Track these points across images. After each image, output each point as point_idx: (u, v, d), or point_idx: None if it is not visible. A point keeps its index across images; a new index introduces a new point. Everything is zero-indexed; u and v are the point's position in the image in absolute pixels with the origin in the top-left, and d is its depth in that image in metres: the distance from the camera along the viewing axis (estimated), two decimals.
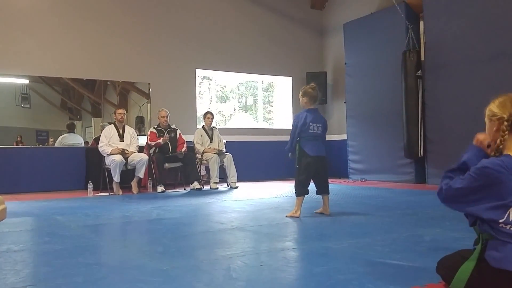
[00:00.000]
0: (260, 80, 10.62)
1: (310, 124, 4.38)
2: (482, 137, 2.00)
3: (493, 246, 1.80)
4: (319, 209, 4.57)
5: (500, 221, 1.79)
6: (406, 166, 8.19)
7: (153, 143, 7.60)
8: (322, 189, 4.52)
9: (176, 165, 7.82)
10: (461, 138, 7.14)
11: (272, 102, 10.97)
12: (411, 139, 7.80)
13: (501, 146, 1.88)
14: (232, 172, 8.00)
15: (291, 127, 4.54)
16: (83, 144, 8.40)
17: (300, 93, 4.55)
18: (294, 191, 4.44)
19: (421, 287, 2.05)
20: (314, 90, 4.51)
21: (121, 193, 7.17)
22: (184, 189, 7.78)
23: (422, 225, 3.84)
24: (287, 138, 4.60)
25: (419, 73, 7.79)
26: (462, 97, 7.17)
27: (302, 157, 4.40)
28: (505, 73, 6.57)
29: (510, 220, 1.78)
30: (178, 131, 7.97)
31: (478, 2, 7.04)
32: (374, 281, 2.15)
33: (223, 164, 8.04)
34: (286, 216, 4.32)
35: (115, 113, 7.66)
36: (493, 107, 1.93)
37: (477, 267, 1.82)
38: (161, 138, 7.55)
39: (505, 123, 1.87)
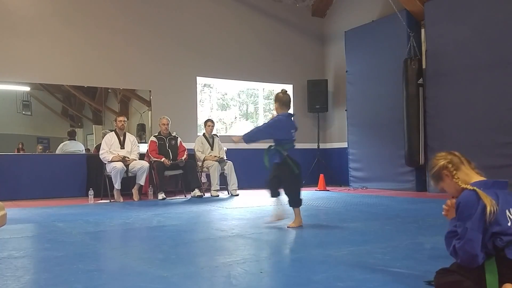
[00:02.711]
0: (261, 87, 10.64)
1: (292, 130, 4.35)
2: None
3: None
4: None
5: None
6: (407, 174, 8.19)
7: (154, 159, 7.59)
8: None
9: (176, 173, 7.83)
10: (462, 146, 7.14)
11: (273, 110, 10.94)
12: (412, 147, 7.80)
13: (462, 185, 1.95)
14: (232, 179, 8.00)
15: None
16: (84, 151, 8.41)
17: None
18: (295, 201, 4.23)
19: None
20: (285, 94, 4.47)
21: (122, 200, 7.18)
22: (185, 196, 7.79)
23: (423, 233, 3.84)
24: None
25: (420, 81, 7.80)
26: (463, 105, 7.18)
27: (296, 164, 4.22)
28: (506, 81, 6.57)
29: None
30: (179, 139, 7.98)
31: (480, 10, 7.07)
32: None
33: (223, 172, 8.05)
34: (288, 227, 4.16)
35: (116, 120, 7.67)
36: (436, 166, 2.04)
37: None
38: (163, 159, 7.50)
39: (449, 165, 1.99)
